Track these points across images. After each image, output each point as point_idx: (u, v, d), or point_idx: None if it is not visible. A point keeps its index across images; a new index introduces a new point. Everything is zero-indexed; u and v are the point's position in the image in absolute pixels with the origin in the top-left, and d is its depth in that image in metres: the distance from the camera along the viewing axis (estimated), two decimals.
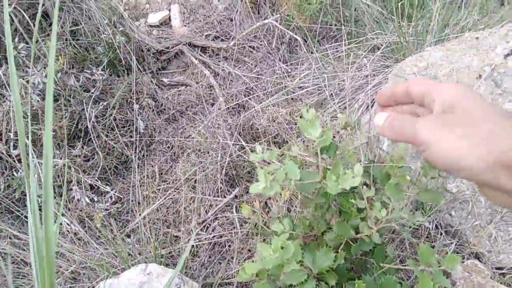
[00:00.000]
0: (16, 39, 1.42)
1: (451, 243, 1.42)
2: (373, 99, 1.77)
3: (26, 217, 1.37)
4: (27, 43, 1.44)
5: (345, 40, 2.01)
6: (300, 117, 1.80)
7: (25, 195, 1.41)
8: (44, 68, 1.39)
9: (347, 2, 2.22)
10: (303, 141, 1.83)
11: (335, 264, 0.97)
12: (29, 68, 1.39)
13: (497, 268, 1.48)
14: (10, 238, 1.28)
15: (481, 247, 1.45)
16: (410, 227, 1.36)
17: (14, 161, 1.36)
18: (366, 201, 0.93)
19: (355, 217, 1.02)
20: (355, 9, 2.18)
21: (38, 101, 1.35)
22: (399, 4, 1.99)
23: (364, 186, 0.89)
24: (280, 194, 1.35)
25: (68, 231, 1.34)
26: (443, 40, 1.92)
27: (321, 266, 0.96)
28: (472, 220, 1.44)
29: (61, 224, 1.41)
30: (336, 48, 2.15)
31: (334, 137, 1.67)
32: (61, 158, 1.51)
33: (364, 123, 1.69)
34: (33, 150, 1.44)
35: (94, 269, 1.26)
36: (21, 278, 1.24)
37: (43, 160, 0.48)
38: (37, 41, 1.61)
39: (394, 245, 1.27)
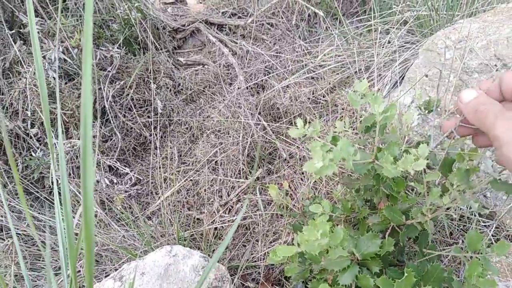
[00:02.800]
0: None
1: (487, 225, 1.35)
2: (402, 75, 1.68)
3: (46, 198, 1.33)
4: (42, 18, 1.38)
5: (372, 12, 1.91)
6: (325, 93, 1.73)
7: (43, 176, 1.37)
8: (62, 42, 1.33)
9: None
10: (326, 122, 1.76)
11: (382, 251, 0.90)
12: (44, 43, 1.33)
13: None
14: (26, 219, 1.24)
15: None
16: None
17: (33, 140, 1.32)
18: (425, 186, 0.86)
19: (403, 202, 0.96)
20: None
21: (54, 78, 1.30)
22: None
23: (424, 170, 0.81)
24: (310, 175, 1.29)
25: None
26: (474, 13, 1.81)
27: (365, 252, 0.91)
28: (508, 201, 1.37)
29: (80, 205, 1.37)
30: (359, 24, 2.05)
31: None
32: (78, 139, 1.46)
33: (388, 93, 1.61)
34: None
35: (116, 251, 1.23)
36: (42, 261, 1.21)
37: (81, 141, 0.43)
38: (50, 18, 1.55)
39: (437, 229, 1.20)
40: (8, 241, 1.18)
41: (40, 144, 1.35)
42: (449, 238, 1.34)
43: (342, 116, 1.63)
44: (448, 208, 0.80)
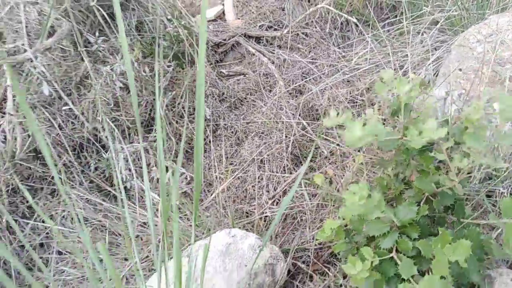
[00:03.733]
0: (97, 33, 1.56)
1: None
2: (436, 73, 1.76)
3: (114, 195, 1.50)
4: (106, 36, 1.59)
5: (404, 15, 2.00)
6: (361, 93, 1.83)
7: (109, 175, 1.55)
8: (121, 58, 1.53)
9: None
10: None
11: (418, 216, 0.99)
12: (109, 58, 1.53)
13: None
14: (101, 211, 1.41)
15: None
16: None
17: (103, 144, 1.50)
18: (445, 154, 0.95)
19: (433, 175, 1.04)
20: None
21: (120, 87, 1.48)
22: None
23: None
24: (354, 161, 1.39)
25: (154, 204, 1.46)
26: (504, 9, 1.87)
27: (403, 219, 0.99)
28: None
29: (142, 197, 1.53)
30: (391, 27, 2.15)
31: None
32: (139, 143, 1.63)
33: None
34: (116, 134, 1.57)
35: (179, 238, 1.36)
36: (116, 247, 1.36)
37: (196, 137, 0.55)
38: (110, 38, 1.76)
39: (470, 208, 1.26)
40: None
41: (108, 148, 1.53)
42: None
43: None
44: (469, 172, 0.89)
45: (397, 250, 1.02)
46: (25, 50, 1.19)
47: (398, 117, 1.02)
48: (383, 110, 1.14)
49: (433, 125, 0.89)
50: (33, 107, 1.29)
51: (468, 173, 0.95)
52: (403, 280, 0.93)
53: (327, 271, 1.28)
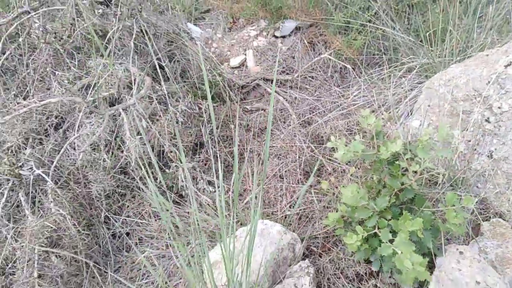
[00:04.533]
0: (162, 81, 2.15)
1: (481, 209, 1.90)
2: (411, 108, 2.31)
3: (174, 200, 2.04)
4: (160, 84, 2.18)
5: (386, 65, 2.59)
6: (357, 123, 2.38)
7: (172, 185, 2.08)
8: (177, 101, 2.10)
9: (386, 35, 2.81)
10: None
11: (389, 204, 1.52)
12: (172, 100, 2.10)
13: None
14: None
15: (503, 208, 1.92)
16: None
17: (166, 161, 2.05)
18: (406, 162, 1.49)
19: (400, 177, 1.58)
20: (392, 40, 2.77)
21: (177, 122, 2.05)
22: (427, 33, 2.55)
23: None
24: (348, 171, 1.93)
25: (208, 204, 1.99)
26: (465, 58, 2.44)
27: (381, 206, 1.52)
28: (494, 189, 1.92)
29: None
30: (379, 72, 2.73)
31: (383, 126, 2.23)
32: (189, 162, 2.18)
33: (403, 121, 2.24)
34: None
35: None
36: (178, 235, 1.88)
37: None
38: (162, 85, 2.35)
39: (431, 202, 1.78)
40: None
41: (171, 164, 2.08)
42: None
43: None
44: (421, 174, 1.42)
45: (378, 228, 1.54)
46: (129, 99, 1.77)
47: (376, 140, 1.57)
48: (368, 136, 1.69)
49: (398, 143, 1.44)
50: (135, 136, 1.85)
51: (420, 175, 1.48)
52: (381, 242, 1.44)
53: (332, 250, 1.79)
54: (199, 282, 1.43)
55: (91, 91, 1.91)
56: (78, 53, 2.08)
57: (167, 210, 1.90)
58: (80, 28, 1.89)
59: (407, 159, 1.49)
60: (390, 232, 1.49)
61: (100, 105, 1.85)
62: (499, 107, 1.86)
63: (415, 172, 1.48)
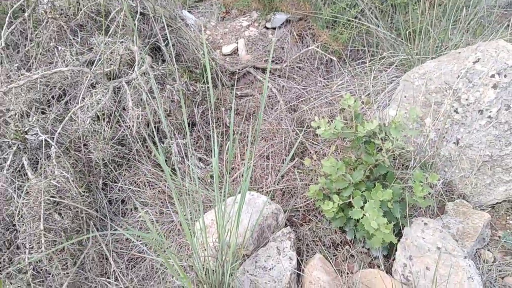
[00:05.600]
0: (159, 62, 2.28)
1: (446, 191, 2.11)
2: (390, 99, 2.51)
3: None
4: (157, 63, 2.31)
5: (368, 59, 2.79)
6: (339, 111, 2.57)
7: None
8: (174, 80, 2.24)
9: (370, 32, 3.00)
10: None
11: (364, 177, 1.71)
12: (168, 80, 2.24)
13: (478, 206, 2.15)
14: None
15: (466, 190, 2.13)
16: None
17: (160, 138, 2.19)
18: (380, 141, 1.68)
19: (374, 155, 1.77)
20: (376, 36, 2.97)
21: (172, 100, 2.19)
22: (407, 32, 2.76)
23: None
24: (329, 148, 2.10)
25: (199, 178, 2.14)
26: (441, 55, 2.65)
27: (356, 179, 1.71)
28: (459, 173, 2.13)
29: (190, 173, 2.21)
30: (362, 65, 2.92)
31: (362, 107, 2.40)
32: (182, 140, 2.33)
33: (382, 110, 2.44)
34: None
35: (213, 200, 2.04)
36: (171, 204, 2.03)
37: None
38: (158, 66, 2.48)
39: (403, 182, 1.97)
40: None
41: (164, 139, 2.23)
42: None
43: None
44: (393, 151, 1.61)
45: (352, 198, 1.72)
46: (131, 74, 1.90)
47: (355, 120, 1.75)
48: (348, 117, 1.87)
49: (374, 123, 1.63)
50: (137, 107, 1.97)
51: (392, 152, 1.67)
52: (352, 206, 1.63)
53: (311, 221, 1.97)
54: (194, 239, 1.58)
55: (93, 67, 2.04)
56: (81, 31, 2.19)
57: (171, 177, 2.05)
58: (85, 7, 2.01)
59: (381, 138, 1.68)
60: (363, 202, 1.68)
61: (102, 80, 1.98)
62: (466, 99, 2.07)
63: (388, 150, 1.67)
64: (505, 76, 1.99)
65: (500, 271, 1.89)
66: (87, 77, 1.83)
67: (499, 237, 2.03)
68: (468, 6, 2.97)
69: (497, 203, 2.16)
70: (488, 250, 1.99)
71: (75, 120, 1.91)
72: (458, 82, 2.11)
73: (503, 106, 1.99)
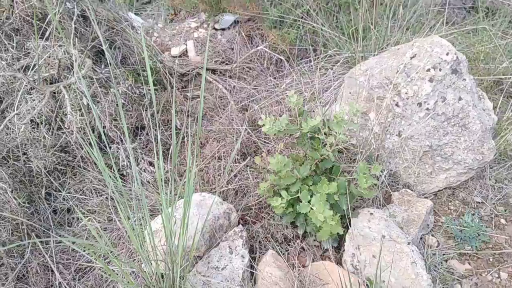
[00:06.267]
0: (102, 66, 2.22)
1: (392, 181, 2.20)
2: (336, 95, 2.58)
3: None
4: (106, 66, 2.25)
5: (315, 58, 2.86)
6: (287, 109, 2.61)
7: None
8: (118, 83, 2.18)
9: (316, 31, 3.08)
10: None
11: (311, 172, 1.74)
12: (112, 83, 2.18)
13: (422, 194, 2.26)
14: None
15: (410, 180, 2.24)
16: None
17: (108, 142, 2.12)
18: (324, 136, 1.72)
19: (320, 150, 1.81)
20: (321, 36, 3.04)
21: (117, 104, 2.13)
22: (350, 30, 2.85)
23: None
24: (278, 147, 2.13)
25: (149, 182, 2.10)
26: (382, 51, 2.76)
27: (303, 174, 1.74)
28: (402, 164, 2.23)
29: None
30: (310, 64, 2.99)
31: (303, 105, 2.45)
32: (131, 144, 2.27)
33: (328, 107, 2.50)
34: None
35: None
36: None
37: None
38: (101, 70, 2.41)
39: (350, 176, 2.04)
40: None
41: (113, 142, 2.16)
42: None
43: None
44: (337, 145, 1.66)
45: (300, 192, 1.76)
46: (70, 78, 1.82)
47: (300, 117, 1.78)
48: (294, 114, 1.91)
49: (317, 119, 1.66)
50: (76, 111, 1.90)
51: (336, 146, 1.72)
52: (300, 201, 1.66)
53: (264, 218, 1.99)
54: (142, 245, 1.55)
55: (30, 72, 1.95)
56: (17, 35, 2.09)
57: (116, 184, 1.98)
58: (19, 10, 1.92)
59: (324, 133, 1.73)
60: (310, 196, 1.71)
61: (37, 85, 1.89)
62: (406, 93, 2.17)
63: (332, 144, 1.72)
64: (440, 70, 2.10)
65: (443, 254, 1.99)
66: (21, 83, 1.74)
67: (442, 222, 2.15)
68: (406, 5, 3.12)
69: (439, 190, 2.28)
70: (432, 235, 2.09)
71: (12, 128, 1.82)
72: (397, 77, 2.21)
73: (439, 98, 2.11)
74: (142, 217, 1.79)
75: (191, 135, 2.65)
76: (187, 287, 1.58)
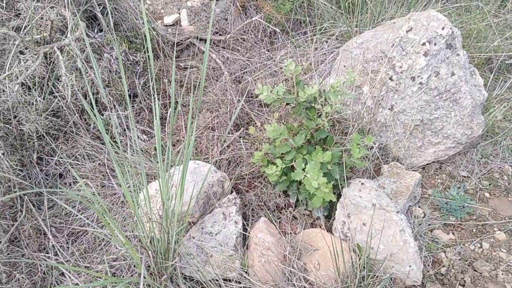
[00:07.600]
0: (95, 31, 2.17)
1: (382, 154, 2.24)
2: (331, 69, 2.59)
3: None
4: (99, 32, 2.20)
5: (310, 31, 2.83)
6: (282, 81, 2.61)
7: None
8: (112, 49, 2.14)
9: (312, 3, 3.04)
10: None
11: (306, 141, 1.76)
12: (106, 48, 2.14)
13: (411, 167, 2.30)
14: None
15: (400, 153, 2.28)
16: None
17: (99, 109, 2.10)
18: (320, 105, 1.73)
19: (315, 120, 1.82)
20: (317, 8, 3.01)
21: (110, 70, 2.10)
22: (346, 3, 2.83)
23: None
24: (273, 117, 2.14)
25: (141, 150, 2.09)
26: (376, 26, 2.76)
27: (298, 143, 1.76)
28: (393, 137, 2.26)
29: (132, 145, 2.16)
30: (305, 37, 2.97)
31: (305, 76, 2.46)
32: (123, 112, 2.25)
33: (323, 80, 2.51)
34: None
35: (157, 171, 2.01)
36: (113, 177, 1.98)
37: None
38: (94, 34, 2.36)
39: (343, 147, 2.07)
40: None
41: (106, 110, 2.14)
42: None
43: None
44: (332, 115, 1.68)
45: (295, 161, 1.78)
46: (64, 39, 1.77)
47: (296, 86, 1.79)
48: (290, 85, 1.91)
49: (314, 88, 1.67)
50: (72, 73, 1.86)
51: (332, 116, 1.74)
52: (294, 170, 1.68)
53: (257, 187, 2.01)
54: (138, 209, 1.56)
55: (22, 33, 1.89)
56: None
57: (114, 151, 1.98)
58: None
59: (320, 103, 1.74)
60: (304, 164, 1.74)
61: (31, 45, 1.85)
62: (400, 67, 2.18)
63: (327, 114, 1.73)
64: (435, 44, 2.11)
65: (429, 224, 2.06)
66: (14, 42, 1.70)
67: (429, 195, 2.21)
68: None
69: (427, 164, 2.33)
70: (419, 207, 2.15)
71: (3, 90, 1.78)
72: (392, 51, 2.21)
73: (433, 72, 2.13)
74: (138, 182, 1.80)
75: (185, 105, 2.64)
76: (181, 250, 1.61)
